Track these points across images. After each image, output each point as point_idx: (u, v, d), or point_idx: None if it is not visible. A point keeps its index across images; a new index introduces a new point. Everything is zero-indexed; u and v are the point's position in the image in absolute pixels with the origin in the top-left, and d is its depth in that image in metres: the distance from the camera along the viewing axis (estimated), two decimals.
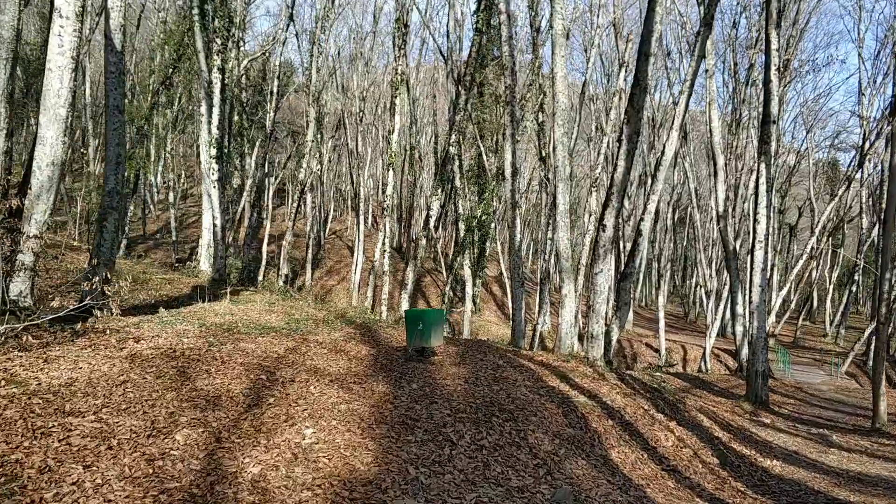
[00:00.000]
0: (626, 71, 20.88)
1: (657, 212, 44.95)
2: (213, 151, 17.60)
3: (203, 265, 19.84)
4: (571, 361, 11.05)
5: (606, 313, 11.91)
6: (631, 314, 36.21)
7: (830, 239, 37.22)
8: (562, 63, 11.16)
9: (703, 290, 34.77)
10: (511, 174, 15.08)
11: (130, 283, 11.19)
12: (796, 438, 11.97)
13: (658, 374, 21.66)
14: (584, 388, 9.62)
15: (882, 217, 27.19)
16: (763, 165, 16.75)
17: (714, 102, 21.82)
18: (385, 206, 20.44)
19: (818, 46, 74.27)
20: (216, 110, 17.50)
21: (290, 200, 48.51)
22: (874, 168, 36.46)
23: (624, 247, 30.82)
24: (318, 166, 45.11)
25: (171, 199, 33.90)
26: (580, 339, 14.64)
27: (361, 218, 30.23)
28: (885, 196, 34.30)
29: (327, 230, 43.69)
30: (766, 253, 16.94)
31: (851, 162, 28.47)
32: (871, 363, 27.76)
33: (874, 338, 13.57)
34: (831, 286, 40.79)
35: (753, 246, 17.00)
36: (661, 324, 28.92)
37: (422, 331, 9.18)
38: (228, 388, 6.57)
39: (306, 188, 27.35)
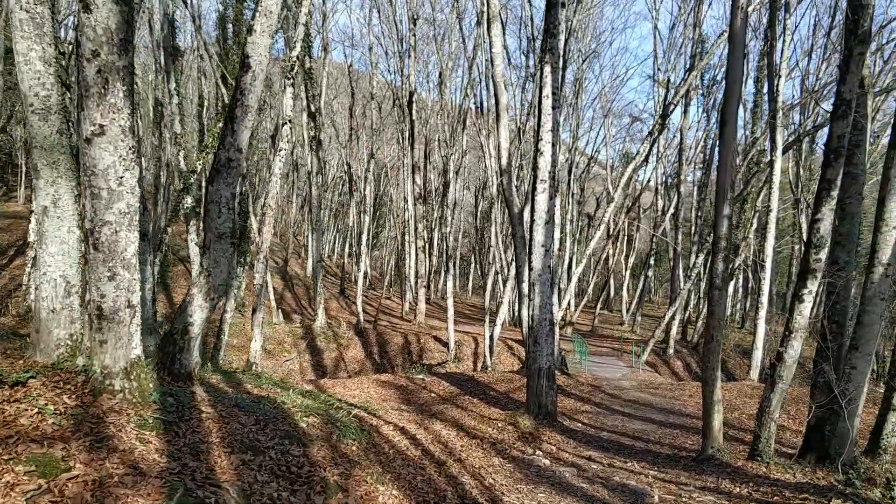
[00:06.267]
0: None
1: None
2: None
3: None
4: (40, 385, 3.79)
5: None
6: (423, 305, 30.05)
7: (626, 219, 33.86)
8: None
9: (500, 275, 29.57)
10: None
11: None
12: None
13: (421, 376, 15.22)
14: None
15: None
16: (548, 69, 10.82)
17: (496, 21, 15.84)
18: None
19: (615, 29, 74.57)
20: None
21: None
22: (663, 151, 33.77)
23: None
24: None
25: None
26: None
27: None
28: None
29: None
30: (551, 199, 11.03)
31: (653, 125, 24.35)
32: (671, 350, 23.75)
33: (706, 326, 7.87)
34: (627, 272, 37.86)
35: (534, 187, 11.04)
36: (450, 312, 22.89)
37: None
38: None
39: None
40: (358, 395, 12.05)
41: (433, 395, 12.56)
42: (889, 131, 10.32)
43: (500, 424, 9.97)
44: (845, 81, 7.02)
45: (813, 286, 7.43)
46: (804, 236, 27.30)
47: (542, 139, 10.83)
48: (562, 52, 13.51)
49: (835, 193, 7.21)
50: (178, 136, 18.58)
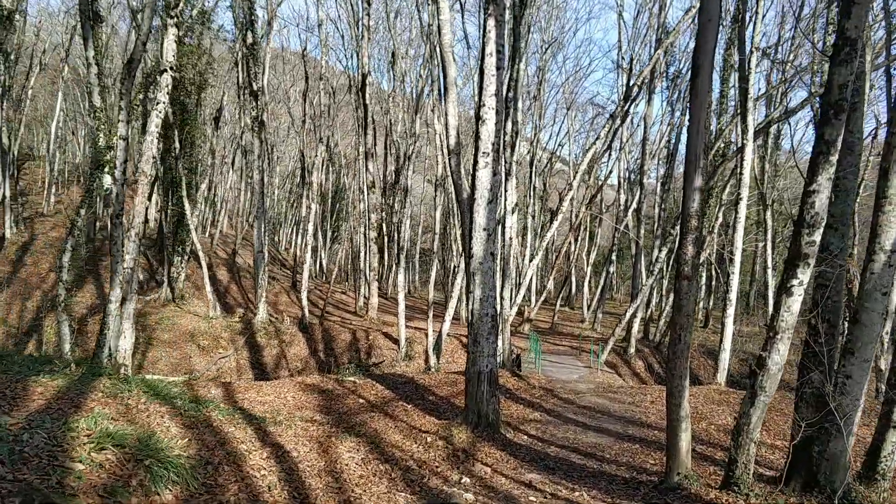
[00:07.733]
0: None
1: None
2: None
3: None
4: None
5: None
6: (376, 300, 28.22)
7: (587, 213, 32.57)
8: None
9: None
10: None
11: None
12: None
13: (353, 378, 13.43)
14: None
15: None
16: (492, 22, 9.15)
17: None
18: None
19: (579, 19, 73.32)
20: None
21: None
22: (626, 142, 32.55)
23: None
24: None
25: None
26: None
27: None
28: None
29: None
30: (496, 175, 9.42)
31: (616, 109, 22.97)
32: (632, 350, 22.41)
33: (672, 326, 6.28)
34: (589, 268, 36.59)
35: (476, 161, 9.39)
36: (401, 307, 21.17)
37: None
38: None
39: None
40: (271, 401, 10.24)
41: (362, 401, 10.81)
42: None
43: (429, 439, 8.29)
44: (850, 15, 5.48)
45: (805, 276, 5.89)
46: (769, 234, 26.30)
47: (484, 105, 9.17)
48: (508, 4, 11.87)
49: (833, 159, 5.67)
50: (98, 110, 16.31)
